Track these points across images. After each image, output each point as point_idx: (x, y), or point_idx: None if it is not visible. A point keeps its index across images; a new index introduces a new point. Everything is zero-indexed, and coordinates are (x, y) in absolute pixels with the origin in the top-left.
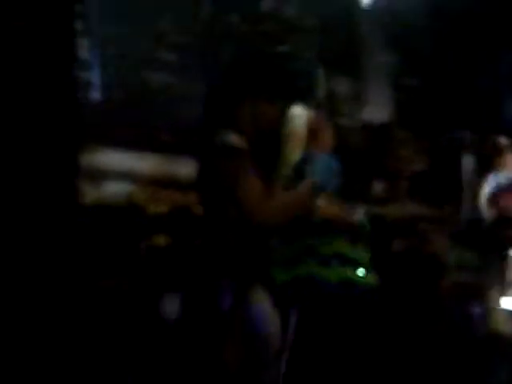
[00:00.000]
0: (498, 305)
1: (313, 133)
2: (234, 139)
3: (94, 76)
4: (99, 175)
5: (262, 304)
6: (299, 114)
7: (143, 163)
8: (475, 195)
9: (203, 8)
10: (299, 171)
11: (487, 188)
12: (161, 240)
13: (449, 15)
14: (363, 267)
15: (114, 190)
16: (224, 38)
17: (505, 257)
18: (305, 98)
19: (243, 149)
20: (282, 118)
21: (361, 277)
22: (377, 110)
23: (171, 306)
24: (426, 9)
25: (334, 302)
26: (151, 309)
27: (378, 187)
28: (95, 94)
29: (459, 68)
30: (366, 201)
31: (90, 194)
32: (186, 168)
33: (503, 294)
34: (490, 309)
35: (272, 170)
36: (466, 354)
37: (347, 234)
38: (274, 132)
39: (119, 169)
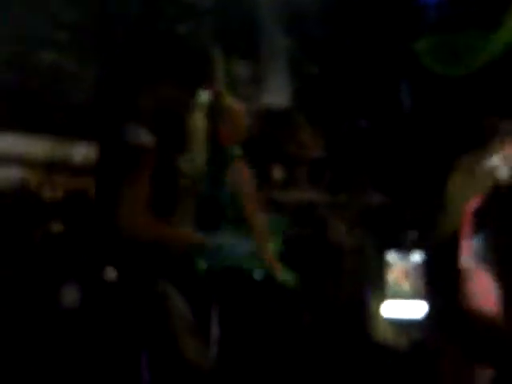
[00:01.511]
0: (379, 313)
1: (229, 120)
2: (143, 137)
3: None
4: None
5: (171, 298)
6: (204, 102)
7: (36, 146)
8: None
9: None
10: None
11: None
12: (56, 227)
13: (346, 5)
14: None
15: (6, 175)
16: (118, 18)
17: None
18: (204, 80)
19: (151, 148)
20: (185, 104)
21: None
22: (276, 95)
23: (70, 295)
24: None
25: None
26: (49, 298)
27: (277, 173)
28: None
29: (357, 56)
30: (265, 185)
31: None
32: (80, 151)
33: (383, 298)
34: (372, 319)
35: (176, 164)
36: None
37: None
38: (180, 121)
39: (10, 152)
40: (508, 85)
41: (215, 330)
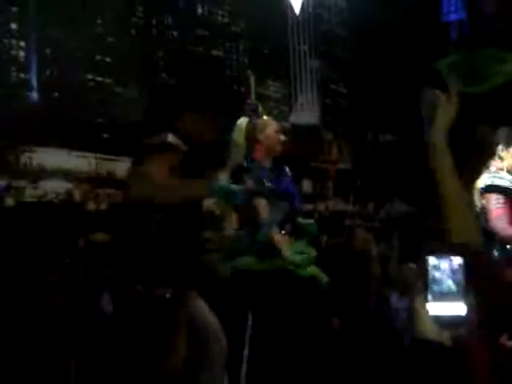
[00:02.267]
0: (424, 311)
1: (264, 137)
2: (170, 138)
3: (32, 77)
4: (37, 173)
5: (199, 306)
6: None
7: (81, 162)
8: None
9: (137, 12)
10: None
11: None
12: (99, 236)
13: (372, 27)
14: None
15: (53, 188)
16: (157, 41)
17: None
18: (235, 104)
19: (177, 145)
20: (215, 124)
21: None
22: (305, 113)
23: (109, 301)
24: (351, 20)
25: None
26: (90, 302)
27: (307, 186)
28: (33, 95)
29: (382, 75)
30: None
31: (29, 192)
32: (123, 167)
33: (426, 299)
34: (416, 316)
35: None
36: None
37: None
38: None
39: (57, 167)
40: None
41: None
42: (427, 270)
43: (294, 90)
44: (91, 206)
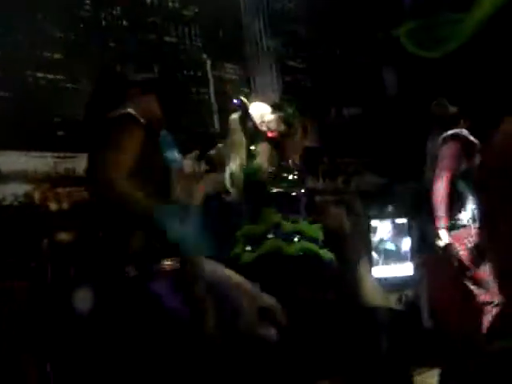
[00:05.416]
0: (369, 277)
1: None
2: (131, 110)
3: None
4: None
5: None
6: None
7: (38, 162)
8: None
9: (84, 5)
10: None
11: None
12: (63, 236)
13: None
14: (320, 243)
15: (11, 191)
16: (107, 32)
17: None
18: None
19: (140, 119)
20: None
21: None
22: (265, 92)
23: (83, 300)
24: None
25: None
26: (62, 304)
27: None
28: None
29: (339, 48)
30: None
31: None
32: (82, 164)
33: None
34: (360, 282)
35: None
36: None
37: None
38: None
39: (14, 169)
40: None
41: None
42: (370, 235)
43: (252, 71)
44: (53, 205)
